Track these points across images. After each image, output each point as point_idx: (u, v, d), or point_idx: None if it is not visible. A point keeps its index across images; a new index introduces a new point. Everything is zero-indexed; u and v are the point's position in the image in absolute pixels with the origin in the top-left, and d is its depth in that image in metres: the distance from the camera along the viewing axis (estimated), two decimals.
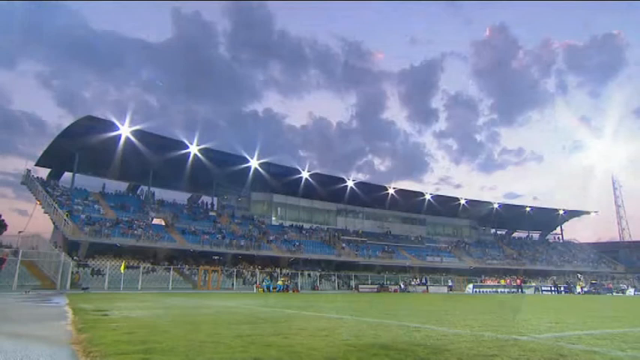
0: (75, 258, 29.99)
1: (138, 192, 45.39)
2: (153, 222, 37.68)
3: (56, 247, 30.52)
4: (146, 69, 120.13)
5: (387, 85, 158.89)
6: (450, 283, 44.01)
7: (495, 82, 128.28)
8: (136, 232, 33.87)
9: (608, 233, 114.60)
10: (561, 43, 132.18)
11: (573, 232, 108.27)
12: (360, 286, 38.55)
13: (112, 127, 34.54)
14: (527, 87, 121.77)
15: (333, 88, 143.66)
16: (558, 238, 69.19)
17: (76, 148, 36.65)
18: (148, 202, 42.25)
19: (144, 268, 32.01)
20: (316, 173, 47.55)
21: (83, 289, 24.07)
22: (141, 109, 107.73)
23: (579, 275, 49.50)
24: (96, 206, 36.78)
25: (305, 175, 46.72)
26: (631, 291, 42.41)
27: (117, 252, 33.98)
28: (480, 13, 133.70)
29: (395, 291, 37.90)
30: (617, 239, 71.52)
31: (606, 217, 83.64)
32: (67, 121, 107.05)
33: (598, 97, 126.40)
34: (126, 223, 34.87)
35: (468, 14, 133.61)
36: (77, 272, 28.75)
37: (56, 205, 32.79)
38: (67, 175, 41.14)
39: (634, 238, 69.26)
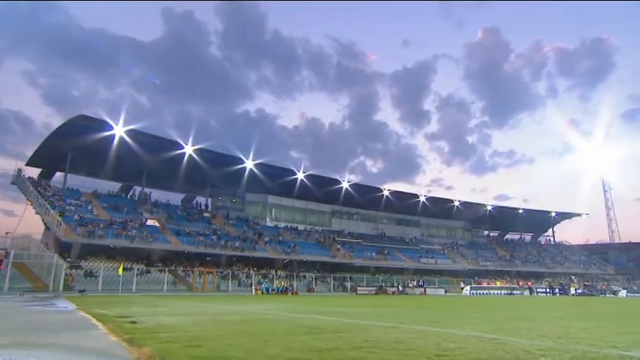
0: (68, 259, 29.23)
1: (131, 192, 44.56)
2: (147, 223, 36.99)
3: (47, 249, 29.73)
4: (137, 68, 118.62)
5: (380, 87, 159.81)
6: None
7: (487, 85, 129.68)
8: (130, 233, 33.17)
9: (597, 235, 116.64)
10: (552, 47, 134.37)
11: (564, 233, 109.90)
12: (358, 288, 38.32)
13: (106, 126, 33.79)
14: (519, 90, 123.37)
15: (326, 89, 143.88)
16: (550, 239, 69.99)
17: (69, 148, 35.83)
18: (142, 202, 41.50)
19: (138, 269, 31.38)
20: (311, 174, 47.26)
21: (80, 291, 23.37)
22: (132, 108, 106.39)
23: (573, 277, 50.04)
24: (89, 207, 35.96)
25: (300, 176, 46.39)
26: (623, 292, 42.99)
27: (110, 253, 33.29)
28: (473, 15, 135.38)
29: (393, 293, 37.77)
30: (606, 241, 72.70)
31: (596, 219, 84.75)
32: (55, 120, 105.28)
33: (588, 100, 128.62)
34: (120, 224, 34.16)
35: (460, 16, 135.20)
36: (70, 274, 28.00)
37: (48, 206, 31.95)
38: (59, 175, 40.28)
39: (623, 240, 70.43)
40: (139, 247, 33.61)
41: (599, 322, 7.70)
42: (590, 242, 76.94)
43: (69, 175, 39.06)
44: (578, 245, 71.43)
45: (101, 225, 32.89)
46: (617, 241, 69.55)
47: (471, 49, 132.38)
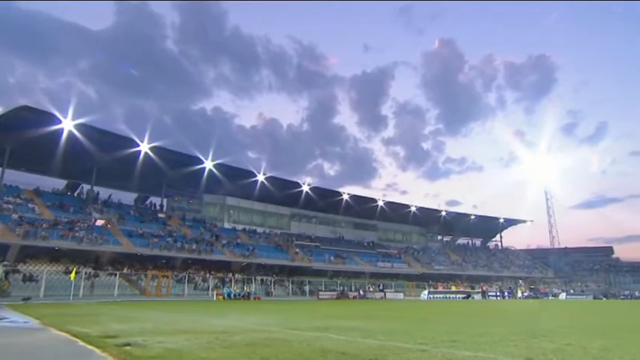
0: (4, 263, 26.78)
1: (78, 191, 41.60)
2: (96, 223, 34.70)
3: None
4: (83, 57, 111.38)
5: (339, 90, 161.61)
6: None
7: (442, 93, 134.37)
8: (77, 234, 30.91)
9: (538, 240, 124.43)
10: (502, 60, 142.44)
11: (510, 238, 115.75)
12: (320, 292, 38.07)
13: (52, 119, 31.36)
14: (471, 99, 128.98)
15: (285, 89, 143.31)
16: (498, 244, 73.58)
17: (7, 141, 32.83)
18: (91, 201, 38.92)
19: (85, 273, 29.29)
20: (271, 177, 46.56)
21: (24, 299, 21.12)
22: (77, 99, 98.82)
23: (520, 281, 52.82)
24: (30, 205, 33.16)
25: (260, 178, 45.55)
26: (563, 295, 45.96)
27: (53, 256, 30.85)
28: (431, 25, 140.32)
29: (354, 297, 37.87)
30: (546, 246, 77.59)
31: (537, 225, 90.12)
32: None
33: (532, 113, 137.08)
34: (66, 225, 31.73)
35: (419, 25, 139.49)
36: (6, 279, 25.59)
37: None
38: None
39: (561, 245, 75.47)
40: (88, 249, 31.45)
41: (607, 338, 7.60)
42: (531, 247, 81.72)
43: (6, 170, 35.79)
44: (522, 250, 75.79)
45: (44, 225, 30.41)
46: (556, 246, 74.38)
47: (428, 58, 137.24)
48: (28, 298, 21.71)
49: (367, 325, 9.86)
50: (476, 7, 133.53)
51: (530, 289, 46.87)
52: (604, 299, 47.63)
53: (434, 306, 24.77)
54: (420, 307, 23.56)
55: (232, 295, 29.95)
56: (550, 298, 44.08)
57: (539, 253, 76.95)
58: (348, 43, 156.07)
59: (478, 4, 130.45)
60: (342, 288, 41.41)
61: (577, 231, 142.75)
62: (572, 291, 51.70)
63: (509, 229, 71.65)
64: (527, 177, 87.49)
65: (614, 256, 77.25)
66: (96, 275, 30.44)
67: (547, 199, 75.05)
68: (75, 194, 40.94)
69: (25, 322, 9.15)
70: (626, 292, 52.63)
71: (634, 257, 72.90)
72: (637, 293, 51.70)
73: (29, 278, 27.45)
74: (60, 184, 41.09)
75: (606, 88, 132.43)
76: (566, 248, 76.59)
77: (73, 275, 23.20)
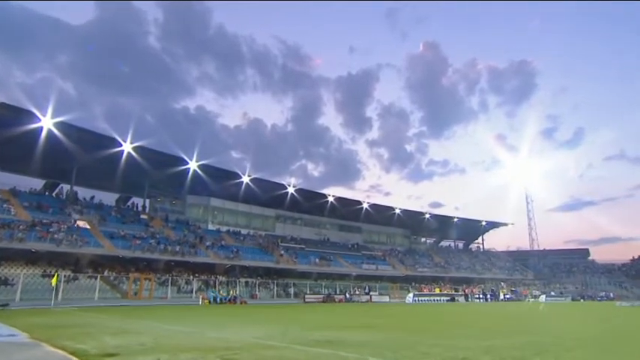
0: None
1: (57, 191, 40.39)
2: (76, 225, 33.73)
3: None
4: (62, 52, 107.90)
5: (324, 91, 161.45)
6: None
7: (426, 96, 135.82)
8: (56, 236, 29.96)
9: (517, 242, 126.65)
10: (485, 65, 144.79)
11: (491, 241, 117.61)
12: (306, 295, 37.84)
13: (30, 117, 30.34)
14: (454, 103, 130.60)
15: (270, 89, 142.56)
16: (480, 247, 74.70)
17: None
18: (71, 202, 37.83)
19: (65, 276, 28.43)
20: (256, 178, 46.16)
21: (1, 305, 20.18)
22: (55, 96, 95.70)
23: (502, 283, 53.70)
24: (5, 205, 32.01)
25: (245, 179, 45.12)
26: (543, 297, 46.90)
27: (30, 258, 29.81)
28: (415, 28, 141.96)
29: (340, 301, 37.78)
30: (525, 248, 79.06)
31: (517, 227, 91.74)
32: None
33: (514, 117, 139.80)
34: (44, 226, 30.73)
35: (404, 28, 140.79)
36: None
37: None
38: None
39: (541, 247, 77.08)
40: (67, 252, 30.51)
41: (609, 353, 7.39)
42: (510, 249, 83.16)
43: None
44: (503, 252, 77.15)
45: (21, 226, 29.37)
46: (535, 248, 75.84)
47: (413, 61, 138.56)
48: (6, 304, 20.77)
49: (370, 337, 9.47)
50: (460, 12, 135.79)
51: (512, 292, 47.77)
52: (582, 301, 48.93)
53: (424, 311, 24.70)
54: (410, 312, 23.49)
55: (218, 299, 29.45)
56: (531, 300, 44.94)
57: (519, 255, 78.35)
58: (334, 44, 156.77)
59: (462, 9, 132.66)
60: (327, 291, 41.28)
61: (554, 233, 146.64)
62: (552, 293, 52.82)
63: (491, 231, 72.85)
64: (508, 180, 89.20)
65: (590, 258, 79.33)
66: (75, 278, 29.61)
67: (527, 203, 76.49)
68: (54, 194, 39.75)
69: (12, 335, 8.45)
70: (602, 294, 54.21)
71: (608, 259, 74.96)
72: (612, 295, 53.29)
73: (4, 282, 26.53)
74: (38, 183, 39.84)
75: (584, 95, 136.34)
76: (544, 250, 78.25)
77: (54, 280, 22.28)
